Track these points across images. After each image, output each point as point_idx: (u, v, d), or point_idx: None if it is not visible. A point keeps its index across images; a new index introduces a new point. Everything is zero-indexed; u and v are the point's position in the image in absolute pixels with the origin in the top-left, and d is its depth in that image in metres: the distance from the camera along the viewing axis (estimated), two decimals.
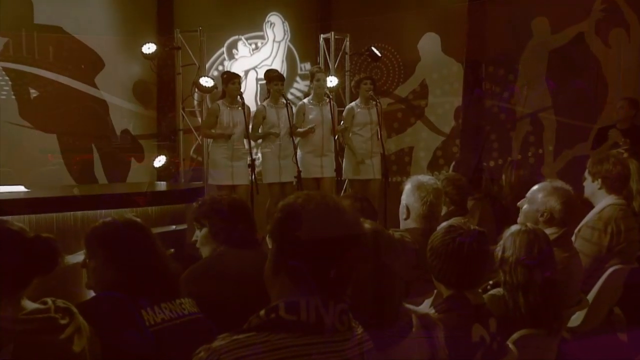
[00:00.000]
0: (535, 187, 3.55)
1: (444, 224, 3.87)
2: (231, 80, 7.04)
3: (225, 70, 7.90)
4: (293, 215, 1.59)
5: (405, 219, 3.47)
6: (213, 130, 7.09)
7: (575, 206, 3.47)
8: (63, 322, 2.01)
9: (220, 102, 7.17)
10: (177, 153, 7.95)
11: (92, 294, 2.36)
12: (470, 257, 2.42)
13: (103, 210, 4.75)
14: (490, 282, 2.87)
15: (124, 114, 7.91)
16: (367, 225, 1.96)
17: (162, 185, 6.86)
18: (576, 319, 3.52)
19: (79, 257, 4.54)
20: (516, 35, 8.02)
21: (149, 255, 2.34)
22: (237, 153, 7.08)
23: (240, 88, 7.14)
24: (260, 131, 7.22)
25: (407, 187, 3.49)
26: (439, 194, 3.48)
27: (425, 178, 3.50)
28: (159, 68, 7.96)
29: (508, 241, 2.77)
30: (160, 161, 7.80)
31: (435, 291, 2.58)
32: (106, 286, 2.28)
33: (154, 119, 8.16)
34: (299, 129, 7.26)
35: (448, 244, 2.44)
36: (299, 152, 7.43)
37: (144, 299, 2.23)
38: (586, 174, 4.12)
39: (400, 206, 3.52)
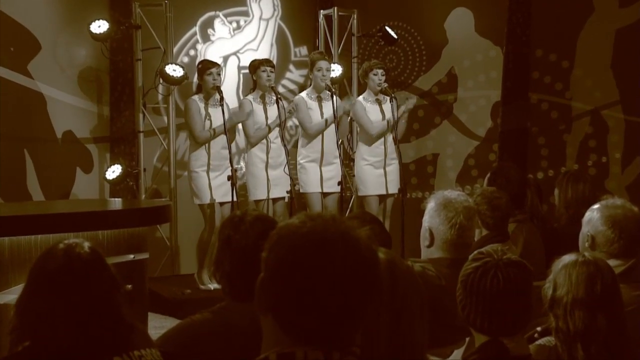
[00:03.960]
0: (594, 206, 3.58)
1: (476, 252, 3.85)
2: (207, 70, 7.08)
3: (200, 59, 7.90)
4: (291, 244, 1.59)
5: (428, 247, 3.48)
6: (206, 132, 7.08)
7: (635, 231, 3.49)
8: None
9: (196, 97, 7.20)
10: (137, 161, 7.96)
11: None
12: (508, 295, 2.43)
13: (38, 236, 4.76)
14: (538, 329, 2.87)
15: (67, 111, 7.92)
16: (381, 254, 1.97)
17: (116, 203, 6.85)
18: None
19: (6, 296, 4.55)
20: (572, 10, 8.04)
21: (94, 299, 2.36)
22: (218, 163, 7.16)
23: (219, 80, 7.17)
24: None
25: (431, 205, 3.50)
26: (471, 214, 3.49)
27: (453, 194, 3.50)
28: (113, 52, 7.99)
29: (561, 276, 2.77)
30: (114, 172, 7.81)
31: (468, 339, 2.58)
32: (39, 337, 2.30)
33: (106, 118, 8.17)
34: (309, 129, 7.26)
35: (479, 277, 2.45)
36: (299, 159, 7.46)
37: (85, 355, 2.24)
38: None
39: (422, 230, 3.52)
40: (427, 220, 3.50)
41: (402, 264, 2.15)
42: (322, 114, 7.45)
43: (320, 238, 1.58)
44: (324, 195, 7.47)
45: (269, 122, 7.25)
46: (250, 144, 7.32)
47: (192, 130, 7.22)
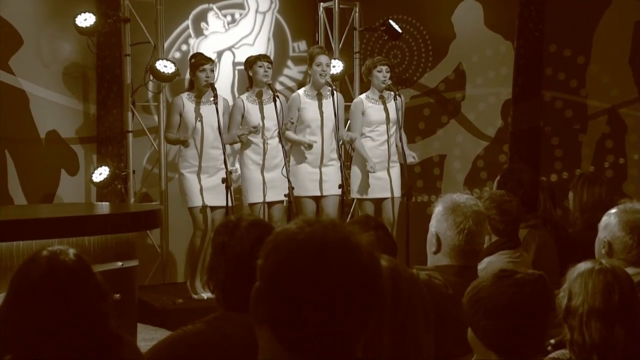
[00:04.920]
0: (611, 210, 3.58)
1: (487, 259, 3.87)
2: (200, 67, 7.09)
3: (193, 52, 7.91)
4: (288, 250, 1.60)
5: (435, 253, 3.48)
6: (173, 134, 7.17)
7: None
8: None
9: (185, 95, 7.21)
10: (125, 163, 7.96)
11: None
12: (532, 313, 2.44)
13: (20, 242, 4.76)
14: (552, 342, 2.87)
15: (51, 109, 7.92)
16: (383, 262, 1.97)
17: (103, 207, 6.86)
18: None
19: None
20: (588, 2, 8.04)
21: (80, 309, 2.36)
22: (208, 164, 7.17)
23: (212, 76, 7.18)
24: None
25: (438, 209, 3.50)
26: (481, 219, 3.49)
27: (462, 198, 3.50)
28: (100, 47, 7.99)
29: (576, 285, 2.78)
30: (101, 174, 7.82)
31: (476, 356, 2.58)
32: (22, 350, 2.30)
33: (92, 117, 8.17)
34: (287, 131, 7.30)
35: (500, 293, 2.46)
36: (291, 161, 7.46)
37: None
38: None
39: (428, 235, 3.52)
40: (434, 225, 3.50)
41: (405, 272, 2.15)
42: (321, 112, 7.45)
43: (319, 244, 1.59)
44: (323, 198, 7.47)
45: (265, 121, 7.24)
46: (223, 141, 7.35)
47: (164, 128, 7.40)
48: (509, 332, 2.45)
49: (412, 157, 7.53)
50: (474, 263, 3.45)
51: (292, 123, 7.29)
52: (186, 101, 7.18)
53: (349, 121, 7.83)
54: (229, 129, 7.28)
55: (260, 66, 7.23)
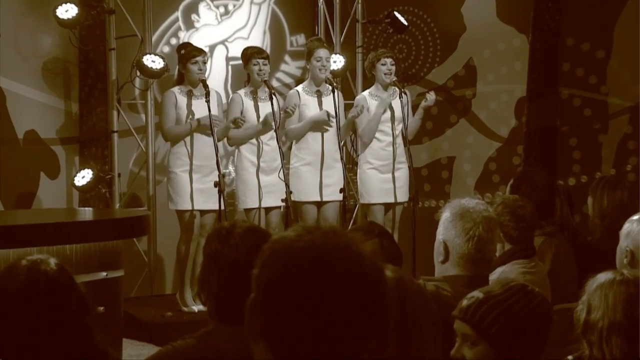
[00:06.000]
0: (634, 217, 3.58)
1: (500, 269, 3.88)
2: (192, 59, 7.08)
3: (182, 43, 7.91)
4: (285, 259, 1.60)
5: (443, 263, 3.48)
6: (177, 126, 7.11)
7: None
8: None
9: (176, 89, 7.20)
10: (110, 165, 7.96)
11: None
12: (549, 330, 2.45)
13: None
14: (570, 358, 2.87)
15: (30, 107, 7.93)
16: (388, 272, 1.97)
17: (86, 213, 6.86)
18: None
19: None
20: None
21: (62, 323, 2.36)
22: (201, 163, 7.18)
23: (205, 69, 7.17)
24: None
25: (445, 215, 3.50)
26: (492, 225, 3.49)
27: (471, 202, 3.50)
28: (83, 41, 7.99)
29: (595, 297, 2.78)
30: (84, 177, 7.81)
31: None
32: None
33: (74, 116, 8.17)
34: (289, 128, 7.30)
35: (518, 312, 2.47)
36: (292, 164, 7.46)
37: None
38: None
39: (436, 244, 3.52)
40: (441, 233, 3.50)
41: (411, 283, 2.16)
42: (322, 110, 7.44)
43: (319, 253, 1.59)
44: (323, 204, 7.47)
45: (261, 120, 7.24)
46: (229, 144, 7.32)
47: (161, 124, 7.29)
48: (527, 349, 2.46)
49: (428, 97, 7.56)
50: (485, 273, 3.45)
51: (244, 121, 7.20)
52: (178, 95, 7.17)
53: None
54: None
55: (255, 64, 7.21)
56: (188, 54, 7.15)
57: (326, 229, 1.63)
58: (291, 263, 1.59)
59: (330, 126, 7.37)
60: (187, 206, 7.17)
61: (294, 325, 1.57)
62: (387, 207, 7.61)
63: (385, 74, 7.49)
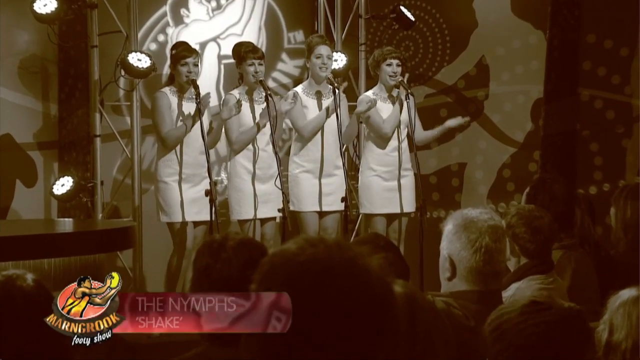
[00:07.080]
0: None
1: (515, 286, 3.87)
2: (182, 60, 7.07)
3: (175, 42, 7.89)
4: (286, 275, 1.59)
5: (450, 279, 3.46)
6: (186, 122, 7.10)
7: None
8: None
9: (167, 89, 7.20)
10: (92, 173, 7.96)
11: None
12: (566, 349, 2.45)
13: None
14: None
15: (5, 109, 7.93)
16: (398, 288, 1.97)
17: (66, 224, 6.85)
18: None
19: None
20: None
21: (39, 343, 2.36)
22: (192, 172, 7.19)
23: (196, 71, 7.17)
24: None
25: (448, 228, 3.50)
26: (499, 234, 3.48)
27: (474, 212, 3.50)
28: (62, 37, 8.00)
29: (618, 315, 2.78)
30: (63, 185, 7.81)
31: None
32: None
33: (53, 119, 8.18)
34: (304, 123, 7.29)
35: (531, 330, 2.46)
36: (290, 170, 7.46)
37: None
38: None
39: (440, 259, 3.51)
40: (445, 247, 3.49)
41: (423, 300, 2.15)
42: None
43: (322, 268, 1.58)
44: (323, 214, 7.46)
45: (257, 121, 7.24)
46: (234, 150, 7.31)
47: (159, 130, 7.22)
48: None
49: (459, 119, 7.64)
50: (496, 287, 3.45)
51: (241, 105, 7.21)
52: (170, 97, 7.17)
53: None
54: (228, 133, 7.25)
55: (251, 64, 7.19)
56: (178, 54, 7.14)
57: (330, 242, 1.62)
58: (292, 279, 1.58)
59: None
60: (179, 218, 7.16)
61: (294, 347, 1.56)
62: (392, 217, 7.60)
63: (390, 76, 7.50)
